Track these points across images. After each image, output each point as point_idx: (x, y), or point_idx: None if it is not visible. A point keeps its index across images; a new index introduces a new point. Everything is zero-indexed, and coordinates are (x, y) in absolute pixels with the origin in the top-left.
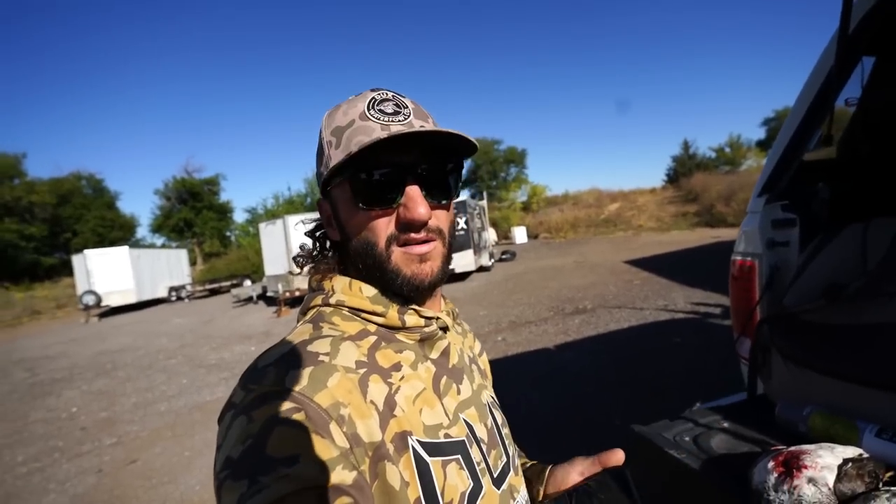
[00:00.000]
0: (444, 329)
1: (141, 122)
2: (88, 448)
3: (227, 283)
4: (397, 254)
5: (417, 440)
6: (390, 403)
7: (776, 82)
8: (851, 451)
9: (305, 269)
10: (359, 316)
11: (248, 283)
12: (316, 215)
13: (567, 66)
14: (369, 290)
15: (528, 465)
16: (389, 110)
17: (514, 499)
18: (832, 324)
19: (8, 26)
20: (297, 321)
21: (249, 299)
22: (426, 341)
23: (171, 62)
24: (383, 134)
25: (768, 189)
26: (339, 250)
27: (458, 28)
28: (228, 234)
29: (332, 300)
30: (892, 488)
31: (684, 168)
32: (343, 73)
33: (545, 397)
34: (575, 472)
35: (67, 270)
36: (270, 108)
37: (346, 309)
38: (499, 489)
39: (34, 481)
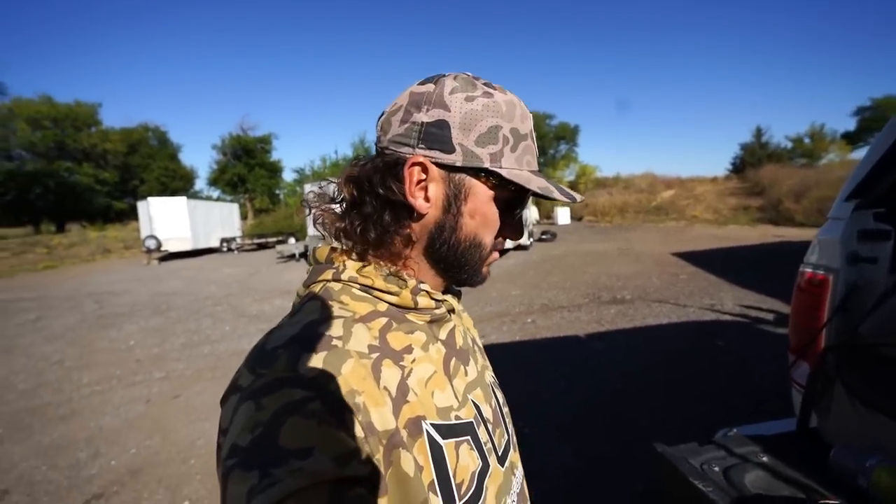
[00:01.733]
0: (451, 311)
1: (202, 79)
2: (141, 379)
3: (274, 240)
4: (491, 256)
5: (431, 423)
6: (403, 388)
7: (876, 66)
8: None
9: (337, 234)
10: (370, 294)
11: (292, 240)
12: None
13: (628, 42)
14: (384, 269)
15: None
16: (534, 137)
17: (515, 475)
18: None
19: None
20: (299, 295)
21: (292, 256)
22: (435, 323)
23: (233, 22)
24: (535, 166)
25: (860, 193)
26: (403, 219)
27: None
28: (277, 192)
29: (344, 276)
30: None
31: (753, 158)
32: (391, 38)
33: (570, 386)
34: None
35: (134, 215)
36: (322, 73)
37: (358, 286)
38: (503, 466)
39: (94, 402)
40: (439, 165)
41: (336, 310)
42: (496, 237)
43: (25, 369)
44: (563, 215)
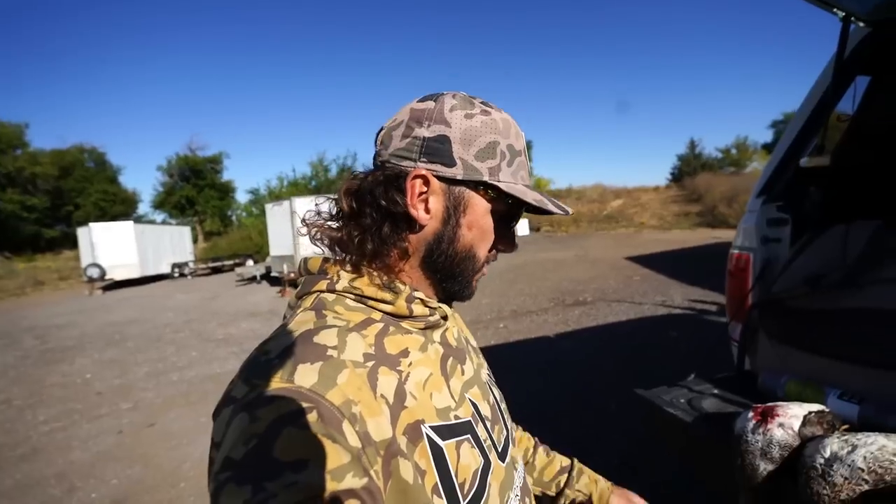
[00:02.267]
0: (444, 318)
1: (144, 97)
2: (106, 411)
3: (230, 262)
4: (484, 269)
5: (430, 426)
6: (400, 395)
7: (787, 84)
8: (816, 407)
9: (325, 243)
10: (364, 303)
11: (250, 262)
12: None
13: (576, 58)
14: (378, 278)
15: (553, 459)
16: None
17: (517, 469)
18: (811, 308)
19: None
20: (291, 306)
21: (253, 279)
22: (429, 329)
23: (177, 38)
24: (529, 182)
25: (766, 191)
26: (402, 230)
27: (464, 14)
28: (230, 213)
29: (338, 286)
30: (845, 434)
31: (689, 167)
32: (347, 57)
33: (545, 383)
34: None
35: (69, 243)
36: (274, 90)
37: (352, 296)
38: (504, 462)
39: (57, 438)
40: (440, 178)
41: (330, 319)
42: (490, 250)
43: None
44: (521, 227)
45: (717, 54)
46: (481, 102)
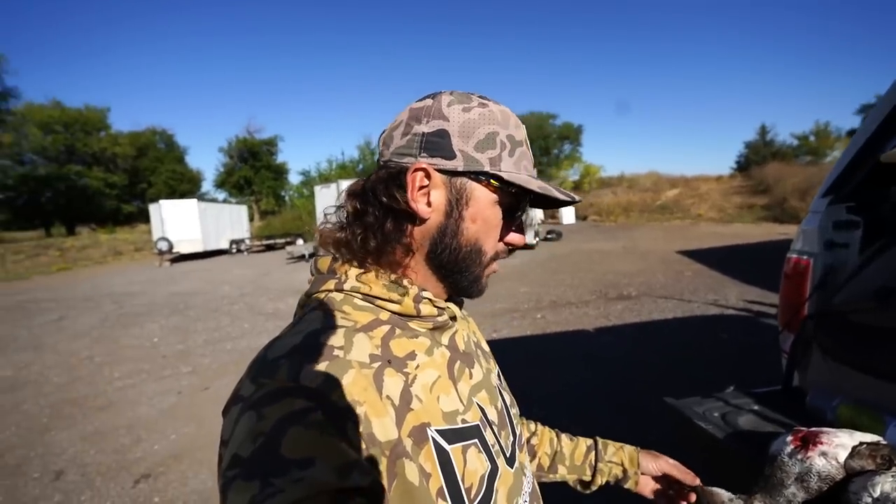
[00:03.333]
0: (453, 318)
1: (209, 81)
2: (169, 373)
3: (282, 241)
4: (490, 266)
5: (436, 430)
6: (406, 396)
7: (880, 65)
8: (870, 437)
9: (335, 247)
10: (372, 303)
11: (300, 241)
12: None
13: (632, 42)
14: (385, 277)
15: (578, 442)
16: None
17: (525, 475)
18: (875, 325)
19: None
20: (301, 305)
21: (302, 257)
22: (437, 329)
23: (237, 28)
24: (534, 171)
25: (835, 189)
26: (406, 225)
27: None
28: (283, 193)
29: (346, 286)
30: None
31: (758, 156)
32: (396, 41)
33: (581, 375)
34: (659, 466)
35: (143, 218)
36: (328, 75)
37: (360, 296)
38: (512, 468)
39: (128, 394)
40: (442, 171)
41: (338, 319)
42: (500, 241)
43: (57, 365)
44: (567, 215)
45: (799, 29)
46: (479, 96)
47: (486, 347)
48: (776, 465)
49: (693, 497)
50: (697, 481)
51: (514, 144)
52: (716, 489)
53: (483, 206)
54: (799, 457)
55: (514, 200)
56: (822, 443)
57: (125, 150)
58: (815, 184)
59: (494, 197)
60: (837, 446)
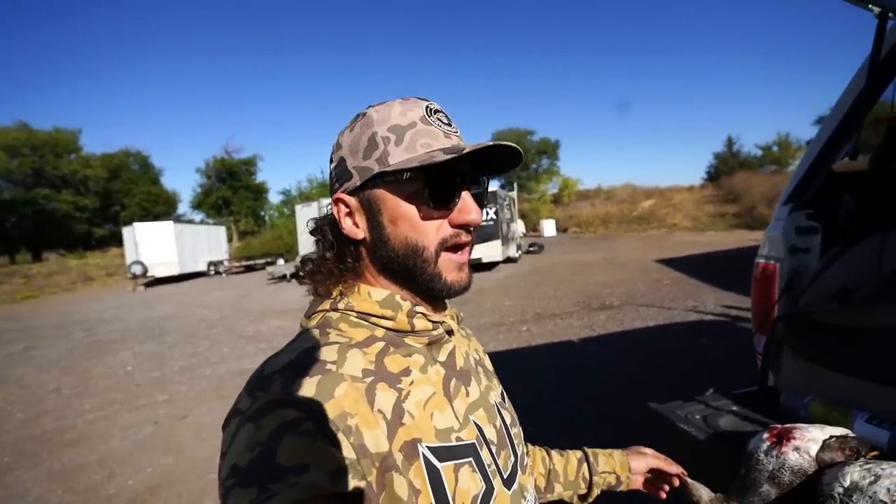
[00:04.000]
0: (450, 333)
1: (184, 103)
2: (144, 402)
3: (262, 261)
4: (443, 259)
5: (428, 446)
6: (398, 411)
7: (834, 77)
8: (839, 431)
9: (309, 277)
10: (367, 321)
11: (280, 261)
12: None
13: (606, 55)
14: (378, 294)
15: (568, 456)
16: (445, 120)
17: (525, 498)
18: (840, 324)
19: (63, 8)
20: (301, 326)
21: (283, 277)
22: (434, 345)
23: (214, 47)
24: (447, 142)
25: (795, 197)
26: (353, 249)
27: (490, 13)
28: (262, 213)
29: (340, 305)
30: (869, 462)
31: (727, 166)
32: (373, 61)
33: (568, 387)
34: (647, 463)
35: (116, 241)
36: (307, 95)
37: (354, 314)
38: (510, 490)
39: (100, 427)
40: (350, 193)
41: (333, 337)
42: (445, 228)
43: (22, 399)
44: (548, 227)
45: (759, 47)
46: (369, 108)
47: (489, 366)
48: (751, 465)
49: (676, 482)
50: (681, 470)
51: (401, 131)
52: (697, 484)
53: (394, 205)
54: (774, 453)
55: (420, 184)
56: (795, 438)
57: (97, 172)
58: (780, 192)
59: (402, 191)
60: (809, 441)
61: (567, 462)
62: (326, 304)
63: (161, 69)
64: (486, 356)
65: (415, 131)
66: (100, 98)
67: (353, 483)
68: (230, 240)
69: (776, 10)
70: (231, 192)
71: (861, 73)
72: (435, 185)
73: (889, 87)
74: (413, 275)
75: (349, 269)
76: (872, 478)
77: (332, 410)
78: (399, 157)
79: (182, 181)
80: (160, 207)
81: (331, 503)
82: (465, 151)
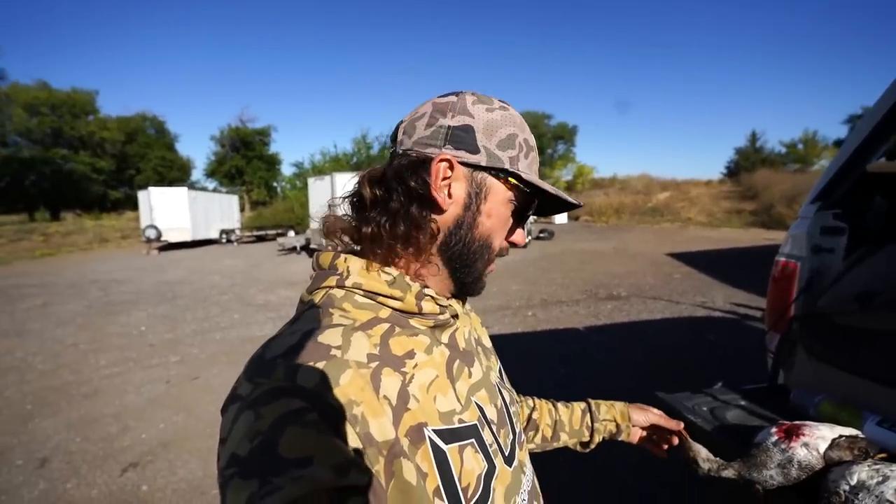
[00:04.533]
0: (455, 316)
1: (202, 69)
2: (157, 362)
3: (273, 232)
4: (493, 263)
5: (433, 429)
6: (404, 396)
7: (868, 75)
8: (849, 431)
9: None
10: (373, 300)
11: (291, 233)
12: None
13: (631, 44)
14: (388, 274)
15: (573, 407)
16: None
17: (525, 473)
18: (857, 327)
19: None
20: (303, 301)
21: (293, 249)
22: (437, 328)
23: (232, 13)
24: (543, 182)
25: (824, 196)
26: (424, 215)
27: None
28: (275, 184)
29: (348, 282)
30: (877, 463)
31: (748, 162)
32: (394, 37)
33: (571, 373)
34: (647, 418)
35: (131, 204)
36: (323, 67)
37: (361, 292)
38: (510, 466)
39: (115, 383)
40: (465, 164)
41: (336, 318)
42: (504, 241)
43: (42, 351)
44: (560, 215)
45: (791, 39)
46: (499, 100)
47: (488, 343)
48: (762, 449)
49: (675, 440)
50: (682, 426)
51: (529, 148)
52: (696, 444)
53: (499, 202)
54: (782, 446)
55: (526, 200)
56: (804, 434)
57: (113, 134)
58: (802, 191)
59: (510, 195)
60: (818, 438)
61: (572, 413)
62: (332, 281)
63: (179, 35)
64: (485, 332)
65: (534, 156)
66: (118, 61)
67: (359, 475)
68: (242, 209)
69: (813, 5)
70: (244, 162)
71: None
72: (526, 205)
73: None
74: (469, 265)
75: (425, 230)
76: (881, 478)
77: (336, 399)
78: (524, 168)
79: (196, 148)
80: (174, 173)
81: (336, 497)
82: (562, 197)
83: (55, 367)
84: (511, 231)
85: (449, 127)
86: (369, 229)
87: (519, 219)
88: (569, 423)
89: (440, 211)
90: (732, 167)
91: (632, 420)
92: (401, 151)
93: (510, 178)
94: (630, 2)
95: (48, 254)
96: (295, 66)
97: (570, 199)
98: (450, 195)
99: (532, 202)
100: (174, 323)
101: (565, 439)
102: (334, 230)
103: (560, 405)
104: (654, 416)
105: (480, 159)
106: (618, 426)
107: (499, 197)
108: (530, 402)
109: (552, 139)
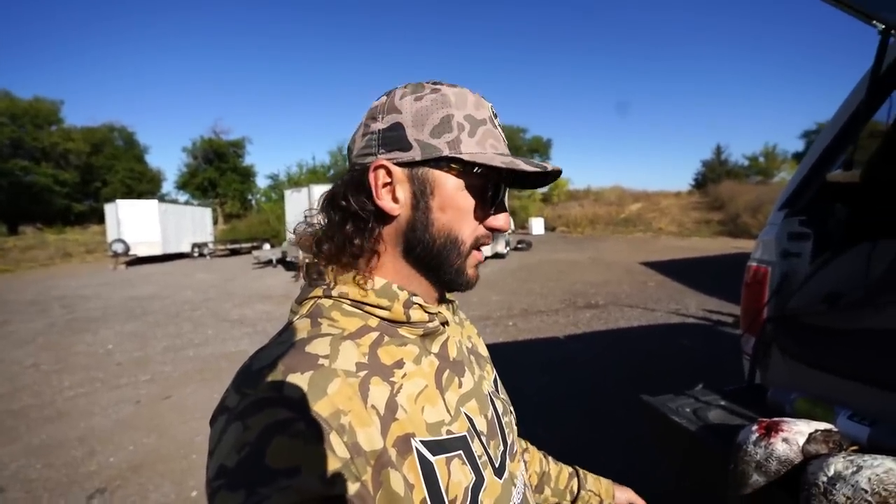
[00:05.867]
0: (444, 324)
1: (172, 80)
2: (126, 381)
3: (248, 245)
4: (472, 255)
5: (420, 441)
6: (392, 406)
7: (822, 92)
8: (824, 426)
9: (322, 254)
10: (361, 309)
11: (266, 246)
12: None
13: (601, 56)
14: (375, 283)
15: (561, 468)
16: (499, 124)
17: (515, 485)
18: (827, 326)
19: None
20: (292, 312)
21: (269, 262)
22: (428, 336)
23: (205, 24)
24: (504, 149)
25: (789, 204)
26: (377, 224)
27: (486, 8)
28: (249, 197)
29: (334, 292)
30: (851, 454)
31: (714, 174)
32: (367, 49)
33: (552, 381)
34: (628, 497)
35: (96, 217)
36: (299, 79)
37: (348, 302)
38: (500, 479)
39: (80, 404)
40: (401, 164)
41: (324, 327)
42: (480, 227)
43: None
44: (536, 226)
45: (751, 58)
46: (432, 83)
47: (485, 352)
48: (739, 458)
49: None
50: None
51: (475, 124)
52: None
53: (450, 192)
54: (763, 443)
55: (483, 181)
56: (783, 430)
57: (78, 145)
58: (765, 201)
59: (461, 181)
60: (796, 433)
61: (560, 472)
62: (319, 291)
63: (149, 44)
64: (481, 341)
65: (486, 129)
66: (83, 70)
67: (346, 485)
68: (216, 222)
69: (770, 23)
70: (218, 174)
71: (860, 86)
72: (495, 187)
73: (886, 103)
74: (442, 264)
75: (366, 247)
76: (855, 468)
77: (324, 409)
78: (470, 148)
79: (167, 160)
80: (144, 185)
81: None
82: (518, 167)
83: (13, 390)
84: (483, 215)
85: (379, 131)
86: (330, 247)
87: (490, 202)
88: (555, 479)
89: (390, 218)
90: (700, 179)
91: (615, 498)
92: (349, 167)
93: (453, 164)
94: (602, 19)
95: (5, 270)
96: (270, 78)
97: (527, 167)
98: (395, 200)
99: (492, 181)
100: (144, 340)
101: (547, 495)
102: (305, 246)
103: (551, 459)
104: (633, 496)
105: (414, 154)
106: (601, 501)
107: (448, 187)
108: (523, 443)
109: (528, 152)
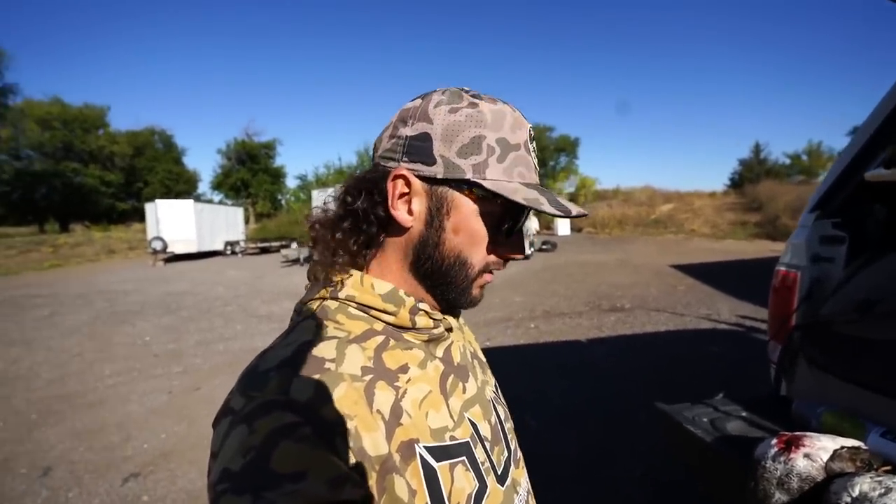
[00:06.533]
0: (449, 330)
1: (209, 82)
2: (160, 372)
3: (277, 244)
4: (482, 277)
5: (424, 446)
6: (396, 411)
7: (871, 87)
8: (852, 443)
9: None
10: (367, 313)
11: (294, 245)
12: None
13: (633, 55)
14: (382, 287)
15: None
16: (535, 150)
17: (518, 492)
18: (860, 336)
19: None
20: (296, 313)
21: (296, 261)
22: (432, 341)
23: (240, 28)
24: (532, 179)
25: (822, 205)
26: (384, 231)
27: (516, 6)
28: (279, 197)
29: (341, 294)
30: (880, 475)
31: (752, 173)
32: (396, 50)
33: (573, 385)
34: None
35: (138, 216)
36: (328, 80)
37: (354, 305)
38: (503, 486)
39: (119, 392)
40: (422, 178)
41: (330, 330)
42: (491, 255)
43: (48, 361)
44: (563, 226)
45: (794, 52)
46: (472, 95)
47: (483, 357)
48: (758, 475)
49: None
50: None
51: (507, 149)
52: None
53: (466, 215)
54: (782, 458)
55: (501, 210)
56: (805, 445)
57: (123, 148)
58: (806, 202)
59: (479, 207)
60: (819, 449)
61: None
62: (325, 292)
63: (187, 51)
64: (478, 346)
65: (517, 155)
66: (128, 76)
67: (353, 490)
68: (247, 221)
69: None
70: (250, 175)
71: None
72: (513, 218)
73: None
74: (448, 284)
75: (369, 250)
76: (883, 490)
77: (330, 413)
78: (495, 174)
79: (203, 161)
80: (181, 186)
81: None
82: (572, 214)
83: (61, 377)
84: (499, 244)
85: (406, 137)
86: (339, 241)
87: (506, 230)
88: None
89: (403, 229)
90: (736, 179)
91: None
92: (372, 166)
93: (473, 190)
94: (632, 13)
95: (57, 265)
96: (300, 79)
97: (552, 209)
98: (410, 212)
99: (511, 212)
100: (178, 334)
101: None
102: (315, 239)
103: None
104: None
105: (436, 171)
106: None
107: (465, 210)
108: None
109: (554, 151)
